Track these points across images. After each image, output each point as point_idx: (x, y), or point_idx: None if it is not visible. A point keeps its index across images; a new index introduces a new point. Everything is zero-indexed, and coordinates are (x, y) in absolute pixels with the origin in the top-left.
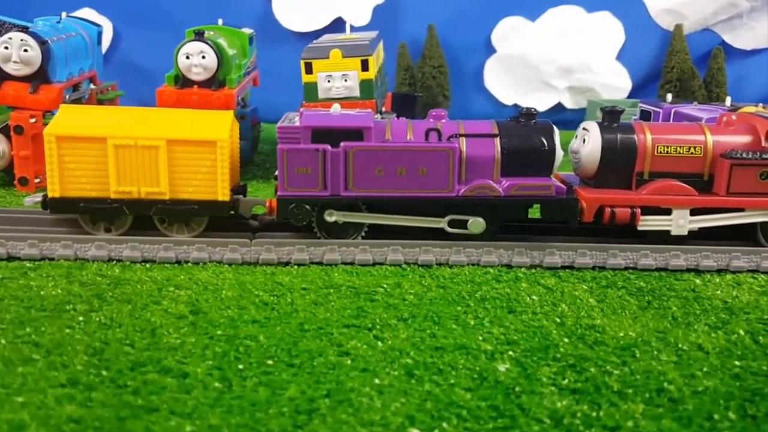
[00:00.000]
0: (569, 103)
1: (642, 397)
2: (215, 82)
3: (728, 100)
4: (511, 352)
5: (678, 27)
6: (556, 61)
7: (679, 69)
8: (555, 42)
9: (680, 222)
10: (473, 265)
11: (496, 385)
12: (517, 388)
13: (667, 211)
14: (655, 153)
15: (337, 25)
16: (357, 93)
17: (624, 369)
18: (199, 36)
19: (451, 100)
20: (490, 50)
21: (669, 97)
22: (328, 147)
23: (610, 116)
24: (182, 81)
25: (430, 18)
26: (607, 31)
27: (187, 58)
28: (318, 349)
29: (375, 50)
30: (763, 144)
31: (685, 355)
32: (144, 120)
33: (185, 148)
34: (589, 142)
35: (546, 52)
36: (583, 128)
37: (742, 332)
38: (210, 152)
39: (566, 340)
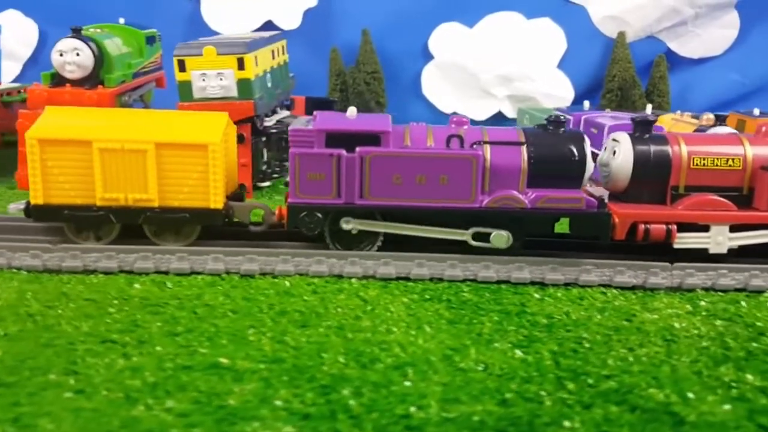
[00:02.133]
0: (510, 112)
1: (378, 423)
2: (91, 80)
3: (649, 108)
4: (266, 372)
5: (621, 34)
6: (495, 68)
7: (620, 78)
8: (493, 49)
9: (719, 239)
10: (302, 275)
11: (217, 410)
12: (240, 414)
13: (705, 228)
14: (691, 166)
15: (267, 28)
16: (234, 93)
17: (380, 392)
18: (75, 33)
19: (386, 107)
20: (428, 57)
21: (586, 104)
22: (343, 152)
23: (642, 127)
24: (57, 79)
25: (365, 23)
26: (548, 38)
27: (61, 55)
28: (46, 366)
29: (262, 49)
30: None
31: (461, 376)
32: (132, 122)
33: (175, 152)
34: (619, 154)
35: (484, 60)
36: (613, 139)
37: (546, 352)
38: (201, 156)
39: (340, 359)
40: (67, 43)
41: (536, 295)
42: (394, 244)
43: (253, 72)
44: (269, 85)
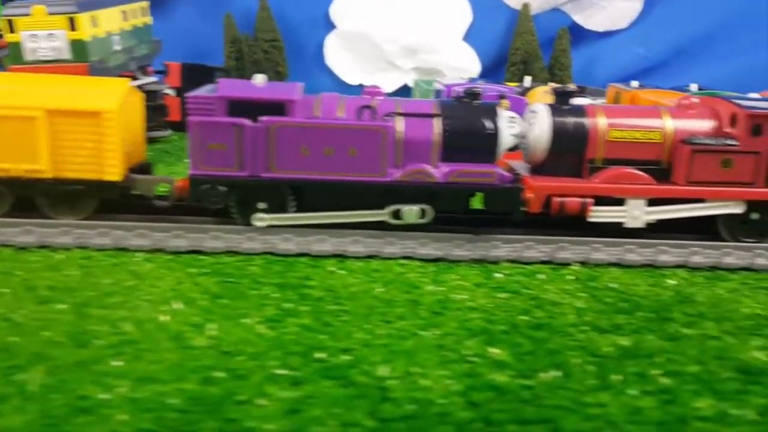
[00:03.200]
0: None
1: (54, 404)
2: None
3: (527, 80)
4: None
5: (525, 6)
6: (399, 39)
7: (524, 51)
8: (397, 20)
9: (635, 213)
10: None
11: None
12: None
13: (620, 201)
14: (609, 138)
15: None
16: (68, 55)
17: (76, 373)
18: None
19: (287, 77)
20: (330, 26)
21: (466, 75)
22: (247, 121)
23: (562, 97)
24: None
25: None
26: (453, 10)
27: None
28: None
29: (106, 9)
30: (727, 129)
31: (183, 354)
32: (22, 87)
33: (67, 119)
34: (536, 125)
35: (388, 30)
36: (531, 110)
37: (294, 327)
38: (95, 125)
39: (60, 337)
40: None
41: (331, 268)
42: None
43: (88, 33)
44: (117, 47)
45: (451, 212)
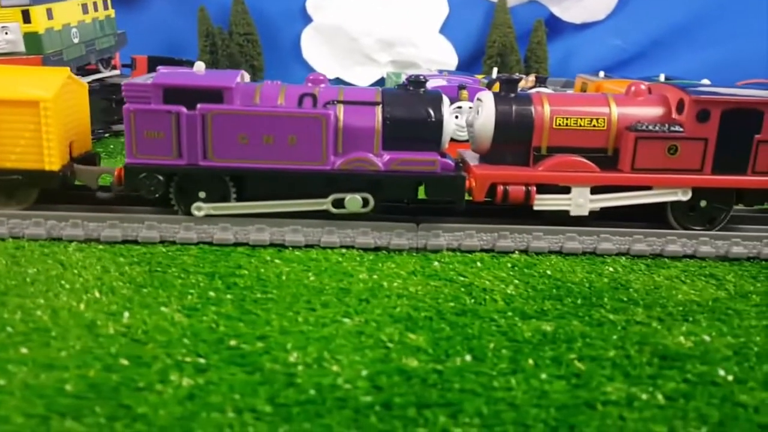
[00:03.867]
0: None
1: None
2: None
3: (494, 72)
4: None
5: None
6: (376, 33)
7: (500, 43)
8: (374, 13)
9: (580, 201)
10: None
11: None
12: None
13: (567, 190)
14: (554, 126)
15: None
16: (21, 48)
17: None
18: None
19: (264, 71)
20: (307, 19)
21: (433, 68)
22: (183, 109)
23: (508, 85)
24: None
25: None
26: (429, 2)
27: None
28: None
29: (63, 2)
30: (674, 116)
31: (92, 343)
32: None
33: (4, 109)
34: (482, 113)
35: (364, 24)
36: (477, 98)
37: (212, 315)
38: (32, 114)
39: None
40: None
41: (267, 258)
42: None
43: (42, 25)
44: (75, 40)
45: (397, 201)
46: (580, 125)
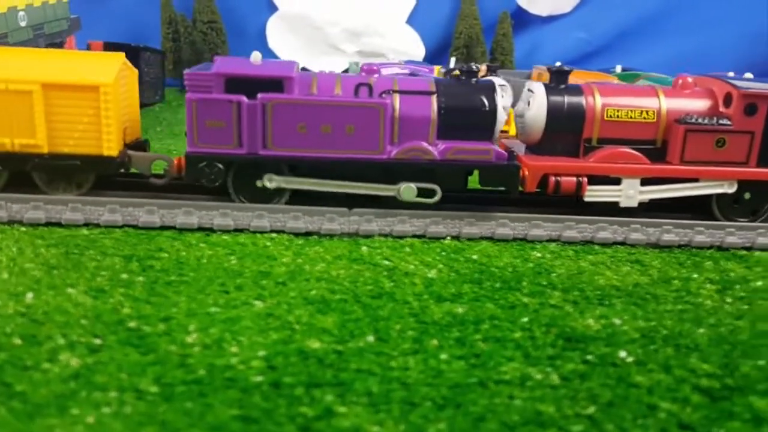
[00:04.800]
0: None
1: None
2: None
3: (452, 62)
4: None
5: None
6: (342, 22)
7: (467, 35)
8: (340, 2)
9: (630, 193)
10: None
11: None
12: None
13: (617, 181)
14: (605, 117)
15: None
16: None
17: None
18: None
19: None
20: (272, 8)
21: (391, 55)
22: (244, 98)
23: (558, 76)
24: None
25: None
26: None
27: None
28: None
29: None
30: (721, 109)
31: None
32: (17, 61)
33: (64, 93)
34: (533, 104)
35: (331, 13)
36: (528, 89)
37: (119, 297)
38: (92, 99)
39: None
40: None
41: (193, 241)
42: (305, 197)
43: None
44: (22, 23)
45: (450, 190)
46: (631, 117)
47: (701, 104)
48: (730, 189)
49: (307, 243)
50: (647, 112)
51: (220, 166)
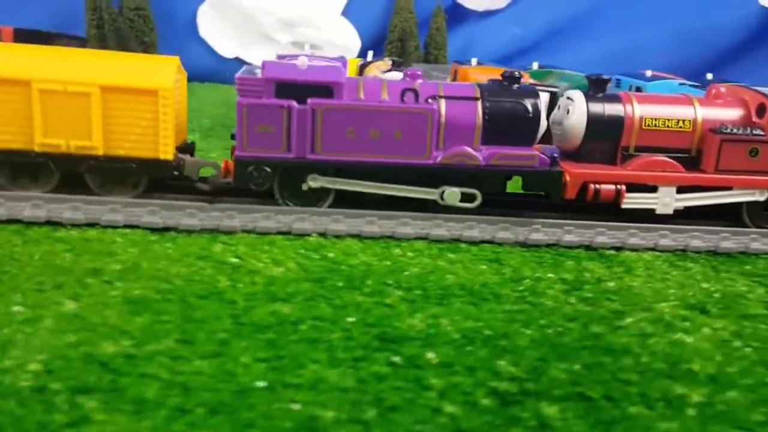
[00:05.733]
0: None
1: None
2: None
3: (369, 54)
4: None
5: None
6: (276, 12)
7: (401, 28)
8: None
9: (666, 200)
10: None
11: None
12: None
13: (653, 189)
14: (643, 126)
15: None
16: None
17: None
18: None
19: (156, 48)
20: None
21: (307, 47)
22: (294, 103)
23: (596, 85)
24: None
25: None
26: None
27: None
28: None
29: None
30: (754, 119)
31: None
32: (75, 62)
33: (122, 96)
34: (573, 112)
35: (264, 2)
36: (568, 97)
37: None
38: (151, 102)
39: None
40: None
41: (36, 236)
42: (347, 200)
43: None
44: None
45: (491, 195)
46: (668, 126)
47: (735, 114)
48: (762, 197)
49: (161, 239)
50: (683, 121)
51: (268, 169)
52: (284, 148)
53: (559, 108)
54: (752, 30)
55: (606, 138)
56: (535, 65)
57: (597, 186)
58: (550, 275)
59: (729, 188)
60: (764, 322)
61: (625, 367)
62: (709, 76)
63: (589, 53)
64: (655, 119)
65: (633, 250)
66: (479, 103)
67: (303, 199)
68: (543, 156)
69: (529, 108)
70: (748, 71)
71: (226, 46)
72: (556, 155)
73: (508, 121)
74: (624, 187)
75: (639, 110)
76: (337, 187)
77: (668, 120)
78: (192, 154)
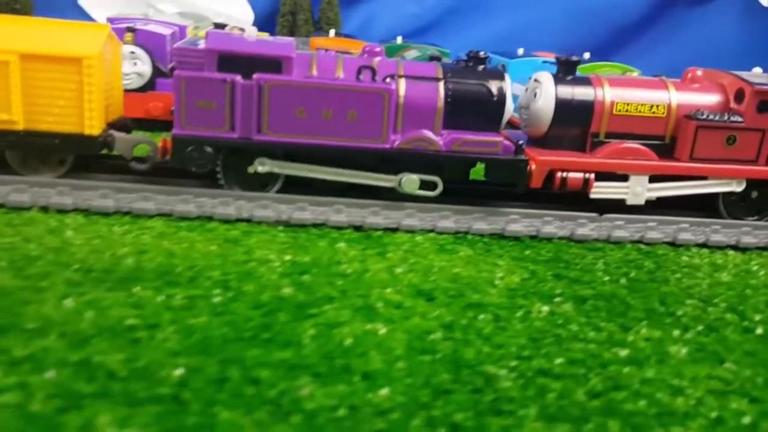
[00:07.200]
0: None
1: None
2: None
3: (253, 30)
4: None
5: None
6: None
7: (293, 2)
8: None
9: (637, 190)
10: None
11: None
12: None
13: (624, 177)
14: (614, 111)
15: None
16: None
17: None
18: None
19: (32, 11)
20: None
21: (192, 25)
22: (239, 78)
23: (566, 67)
24: None
25: None
26: None
27: None
28: None
29: None
30: (732, 105)
31: None
32: None
33: (43, 65)
34: (540, 96)
35: None
36: (535, 80)
37: None
38: (75, 72)
39: None
40: None
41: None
42: (298, 186)
43: None
44: None
45: (454, 182)
46: (641, 111)
47: (711, 99)
48: (739, 187)
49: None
50: (657, 106)
51: (209, 149)
52: (227, 126)
53: (526, 91)
54: (643, 12)
55: (575, 123)
56: (399, 39)
57: (564, 174)
58: (305, 259)
59: (704, 178)
60: None
61: None
62: (587, 55)
63: (485, 31)
64: (627, 104)
65: (409, 231)
66: (441, 84)
67: (250, 184)
68: (507, 143)
69: (494, 91)
70: (641, 53)
71: (104, 15)
72: (522, 142)
73: (472, 105)
74: (593, 176)
75: (610, 94)
76: (287, 172)
77: (641, 105)
78: (128, 132)
